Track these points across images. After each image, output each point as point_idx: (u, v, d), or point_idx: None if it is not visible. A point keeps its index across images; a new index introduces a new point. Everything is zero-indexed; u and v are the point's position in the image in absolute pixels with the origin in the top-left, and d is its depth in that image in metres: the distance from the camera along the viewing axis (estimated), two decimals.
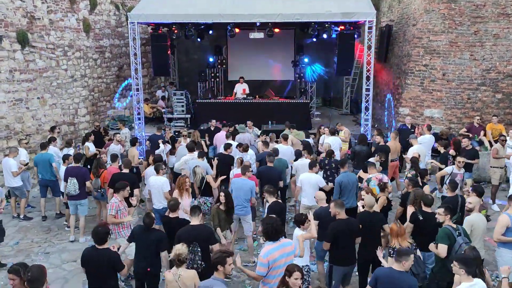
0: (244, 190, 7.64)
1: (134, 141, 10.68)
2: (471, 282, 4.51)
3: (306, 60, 17.44)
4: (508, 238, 6.00)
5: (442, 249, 5.56)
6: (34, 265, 4.55)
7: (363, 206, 6.55)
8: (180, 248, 4.96)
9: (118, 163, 8.92)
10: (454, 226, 5.71)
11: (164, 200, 7.72)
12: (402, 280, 4.71)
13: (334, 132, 11.11)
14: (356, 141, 13.16)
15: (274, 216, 5.50)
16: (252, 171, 8.39)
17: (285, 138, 10.25)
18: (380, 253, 5.77)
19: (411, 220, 6.33)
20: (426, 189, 7.55)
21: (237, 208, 7.55)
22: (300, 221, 6.00)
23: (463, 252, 5.26)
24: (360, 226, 6.18)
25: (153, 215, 6.19)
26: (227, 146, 9.60)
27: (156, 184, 7.91)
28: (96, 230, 5.27)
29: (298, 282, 4.32)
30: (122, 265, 5.31)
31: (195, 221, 5.87)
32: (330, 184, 8.47)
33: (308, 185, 8.04)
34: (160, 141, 10.86)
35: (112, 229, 6.75)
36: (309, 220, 5.98)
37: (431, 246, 5.76)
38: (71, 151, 10.19)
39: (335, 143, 10.47)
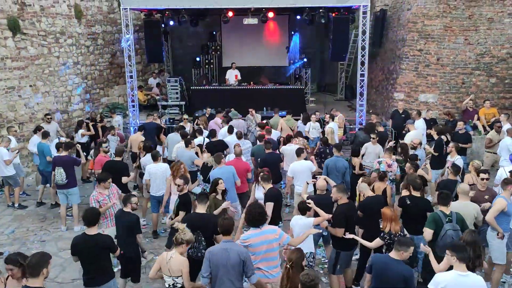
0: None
1: (141, 128, 10.67)
2: (463, 272, 4.33)
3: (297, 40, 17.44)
4: (495, 224, 6.01)
5: (427, 233, 5.64)
6: (38, 252, 4.51)
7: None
8: (185, 228, 4.97)
9: (108, 153, 8.85)
10: (447, 212, 5.71)
11: (163, 187, 7.75)
12: (396, 269, 4.63)
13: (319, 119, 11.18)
14: (351, 126, 13.26)
15: (259, 203, 5.42)
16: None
17: (261, 126, 10.45)
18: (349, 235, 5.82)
19: (399, 204, 6.39)
20: (421, 172, 7.61)
21: (229, 196, 7.53)
22: (305, 208, 5.95)
23: (453, 238, 5.31)
24: (362, 211, 6.34)
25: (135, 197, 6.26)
26: (213, 134, 9.55)
27: (158, 171, 7.91)
28: (86, 213, 5.29)
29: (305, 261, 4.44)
30: (115, 246, 5.35)
31: (201, 209, 5.79)
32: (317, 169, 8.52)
33: (300, 172, 8.03)
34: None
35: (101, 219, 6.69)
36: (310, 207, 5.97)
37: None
38: (61, 139, 10.17)
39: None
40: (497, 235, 6.07)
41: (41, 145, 9.51)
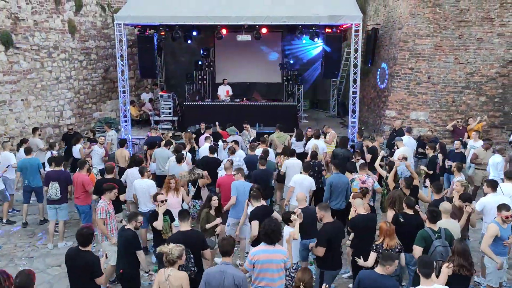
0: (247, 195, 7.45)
1: (123, 142, 10.56)
2: (430, 286, 4.45)
3: (291, 62, 17.59)
4: (491, 254, 6.00)
5: (416, 251, 5.65)
6: (23, 270, 4.41)
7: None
8: (170, 248, 4.89)
9: (87, 170, 8.54)
10: (436, 228, 5.74)
11: (150, 203, 7.64)
12: (383, 284, 4.71)
13: (318, 136, 11.06)
14: None
15: (276, 220, 5.35)
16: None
17: (263, 141, 10.46)
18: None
19: (393, 221, 6.39)
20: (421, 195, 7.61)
21: (238, 211, 7.45)
22: (288, 218, 5.96)
23: (442, 255, 5.36)
24: (351, 228, 6.34)
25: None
26: (212, 150, 9.53)
27: (142, 187, 7.83)
28: (81, 232, 5.17)
29: None
30: (100, 271, 5.13)
31: (185, 226, 5.73)
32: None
33: (300, 187, 7.98)
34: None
35: (99, 232, 6.77)
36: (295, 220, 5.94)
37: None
38: (54, 153, 10.03)
39: (319, 146, 10.43)
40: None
41: (33, 160, 9.20)
